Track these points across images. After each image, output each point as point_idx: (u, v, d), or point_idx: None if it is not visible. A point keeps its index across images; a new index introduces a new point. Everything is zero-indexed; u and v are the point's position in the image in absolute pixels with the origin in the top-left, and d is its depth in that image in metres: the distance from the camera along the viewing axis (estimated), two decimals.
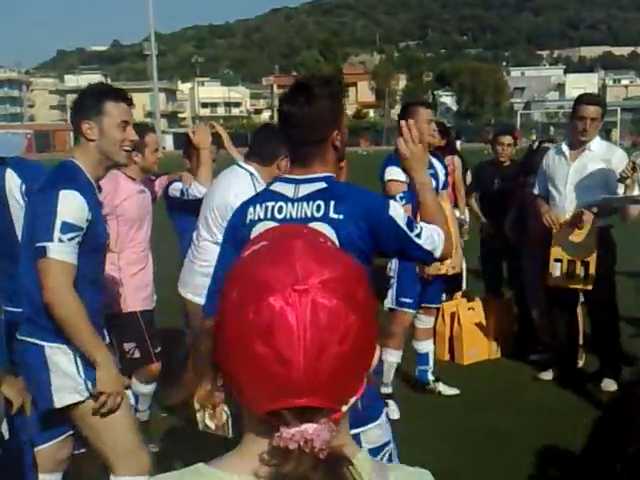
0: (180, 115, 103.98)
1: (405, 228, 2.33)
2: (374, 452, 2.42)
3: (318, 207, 2.31)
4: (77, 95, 2.92)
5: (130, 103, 2.94)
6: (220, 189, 3.75)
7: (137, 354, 4.08)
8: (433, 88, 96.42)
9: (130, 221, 4.03)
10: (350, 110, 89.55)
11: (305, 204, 2.33)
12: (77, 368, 2.74)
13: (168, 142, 64.15)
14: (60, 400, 2.73)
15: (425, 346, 5.12)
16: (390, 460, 2.48)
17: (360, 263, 2.27)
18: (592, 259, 4.84)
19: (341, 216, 2.28)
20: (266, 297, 0.84)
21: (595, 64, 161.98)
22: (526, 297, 5.97)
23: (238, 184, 3.68)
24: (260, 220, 2.35)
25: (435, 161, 4.81)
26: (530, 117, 68.84)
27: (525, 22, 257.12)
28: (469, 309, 5.95)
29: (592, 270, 4.85)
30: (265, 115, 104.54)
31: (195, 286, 3.81)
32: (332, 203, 2.30)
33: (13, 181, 3.69)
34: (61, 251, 2.59)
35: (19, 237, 3.77)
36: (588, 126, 4.97)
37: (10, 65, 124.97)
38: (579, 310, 5.50)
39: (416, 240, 2.35)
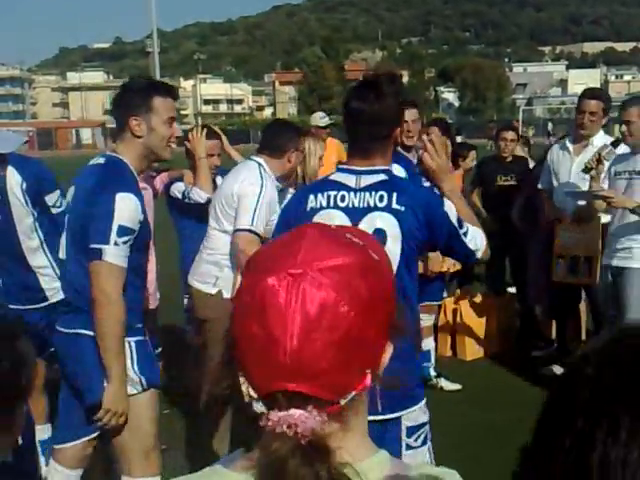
0: (182, 112, 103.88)
1: (456, 225, 2.45)
2: (412, 430, 2.52)
3: (381, 197, 2.41)
4: (122, 89, 2.85)
5: (176, 97, 2.94)
6: (229, 179, 3.82)
7: None
8: (435, 84, 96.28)
9: None
10: None
11: (367, 194, 2.42)
12: (132, 362, 2.75)
13: None
14: None
15: (427, 343, 5.14)
16: (425, 441, 2.57)
17: (413, 253, 2.43)
18: (596, 255, 4.83)
19: (402, 207, 2.39)
20: (264, 278, 0.86)
21: (597, 60, 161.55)
22: (529, 293, 5.97)
23: (244, 172, 3.76)
24: (322, 208, 2.45)
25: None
26: (532, 113, 68.76)
27: (527, 18, 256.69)
28: (471, 305, 5.95)
29: (596, 266, 4.84)
30: (267, 112, 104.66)
31: (201, 274, 3.85)
32: (394, 195, 2.40)
33: (14, 179, 3.69)
34: (116, 254, 2.59)
35: (19, 235, 3.80)
36: (587, 119, 4.98)
37: (12, 62, 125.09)
38: (582, 307, 5.51)
39: (463, 238, 2.48)
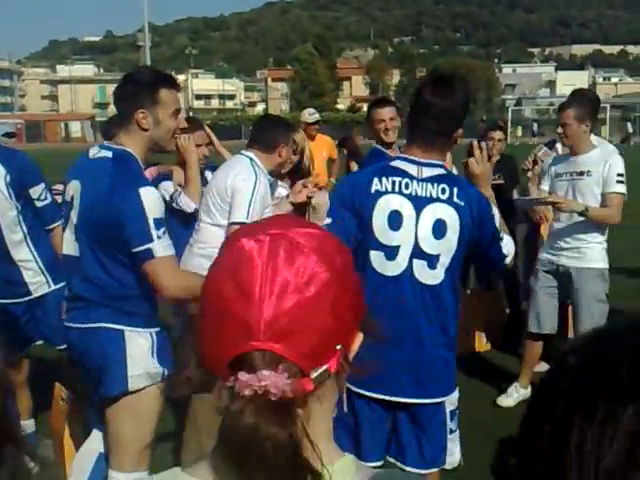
0: None
1: (498, 228, 2.60)
2: (453, 413, 2.78)
3: (443, 190, 2.50)
4: (126, 80, 2.78)
5: (179, 89, 2.94)
6: (221, 173, 3.83)
7: None
8: None
9: None
10: (344, 104, 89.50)
11: (430, 185, 2.51)
12: (152, 352, 2.76)
13: None
14: (134, 384, 2.71)
15: None
16: (458, 425, 2.89)
17: (464, 248, 2.54)
18: None
19: (462, 202, 2.50)
20: (240, 239, 0.86)
21: (585, 62, 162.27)
22: (517, 290, 6.04)
23: (237, 166, 3.78)
24: (387, 192, 2.52)
25: None
26: (521, 113, 68.99)
27: (517, 20, 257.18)
28: (459, 301, 5.99)
29: None
30: (259, 107, 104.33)
31: (192, 267, 3.82)
32: (455, 189, 2.51)
33: None
34: (164, 247, 2.61)
35: (3, 228, 3.73)
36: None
37: (1, 54, 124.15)
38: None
39: (500, 243, 2.62)
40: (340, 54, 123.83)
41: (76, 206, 2.74)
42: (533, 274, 4.81)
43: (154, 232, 2.57)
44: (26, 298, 3.87)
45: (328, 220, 2.57)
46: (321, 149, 7.86)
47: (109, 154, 2.73)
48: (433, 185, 2.50)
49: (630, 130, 53.63)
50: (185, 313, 3.92)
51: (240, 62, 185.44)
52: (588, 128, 4.40)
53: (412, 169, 2.53)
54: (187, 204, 4.07)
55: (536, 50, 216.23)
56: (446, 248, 2.52)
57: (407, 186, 2.51)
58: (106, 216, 2.59)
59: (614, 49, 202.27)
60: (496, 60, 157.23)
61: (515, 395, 4.86)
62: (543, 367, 5.32)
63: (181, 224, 4.06)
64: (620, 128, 55.75)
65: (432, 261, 2.52)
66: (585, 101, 4.60)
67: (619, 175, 4.34)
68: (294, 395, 0.81)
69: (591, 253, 4.46)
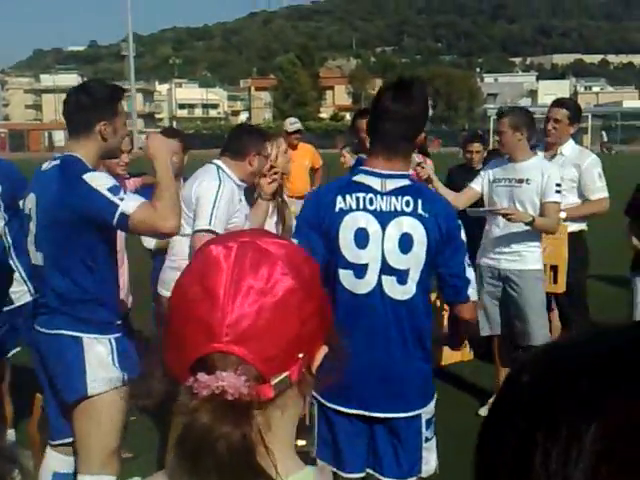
0: (157, 116, 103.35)
1: (464, 243, 2.54)
2: (429, 422, 2.72)
3: (407, 202, 2.45)
4: (87, 93, 2.90)
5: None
6: (189, 184, 3.79)
7: None
8: None
9: None
10: (327, 113, 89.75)
11: (394, 198, 2.46)
12: (113, 358, 2.85)
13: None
14: (93, 389, 2.80)
15: None
16: (434, 432, 2.80)
17: (432, 262, 2.48)
18: (561, 263, 4.92)
19: (427, 214, 2.45)
20: (210, 246, 0.89)
21: (567, 71, 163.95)
22: None
23: (201, 175, 3.75)
24: (352, 210, 2.48)
25: None
26: None
27: (499, 30, 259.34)
28: (443, 310, 6.00)
29: (561, 274, 4.94)
30: (242, 116, 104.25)
31: (167, 281, 3.76)
32: (420, 201, 2.46)
33: None
34: (131, 202, 2.71)
35: None
36: (550, 126, 5.10)
37: None
38: (552, 315, 5.59)
39: (466, 263, 2.57)
40: (323, 64, 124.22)
41: (34, 217, 2.84)
42: (477, 279, 4.84)
43: (115, 198, 2.66)
44: (7, 307, 3.89)
45: (294, 241, 2.55)
46: (303, 158, 7.87)
47: (58, 162, 2.85)
48: (397, 198, 2.46)
49: (605, 139, 54.20)
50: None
51: (224, 71, 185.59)
52: (523, 136, 4.52)
53: (376, 183, 2.49)
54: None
55: (518, 60, 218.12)
56: (414, 262, 2.48)
57: (371, 202, 2.47)
58: (65, 217, 2.71)
59: (595, 58, 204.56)
60: (478, 70, 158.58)
61: None
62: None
63: None
64: (602, 138, 56.31)
65: (402, 276, 2.49)
66: (521, 111, 4.78)
67: (557, 185, 4.47)
68: (251, 398, 0.81)
69: (531, 256, 4.58)
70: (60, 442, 3.00)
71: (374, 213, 2.45)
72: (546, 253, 4.91)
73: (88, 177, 2.70)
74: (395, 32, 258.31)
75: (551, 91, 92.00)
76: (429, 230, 2.44)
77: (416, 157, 4.83)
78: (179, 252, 3.69)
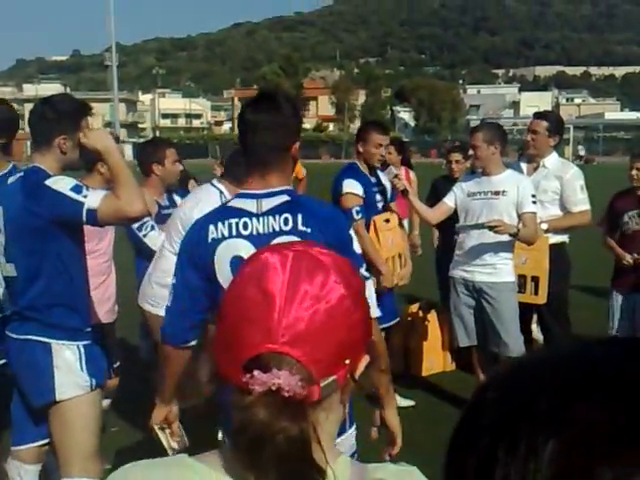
0: (140, 125, 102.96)
1: (358, 255, 2.31)
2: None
3: (286, 220, 2.24)
4: (51, 107, 2.95)
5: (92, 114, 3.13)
6: (188, 204, 3.72)
7: None
8: (392, 104, 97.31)
9: (92, 232, 3.98)
10: (310, 124, 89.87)
11: (272, 218, 2.24)
12: (81, 364, 2.91)
13: (127, 152, 63.39)
14: (61, 394, 2.87)
15: None
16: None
17: None
18: (542, 274, 4.94)
19: (309, 229, 2.22)
20: (264, 253, 0.93)
21: (549, 83, 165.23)
22: None
23: (205, 201, 3.61)
24: (225, 238, 2.24)
25: (382, 176, 5.02)
26: None
27: (481, 42, 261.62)
28: (425, 320, 6.01)
29: (542, 285, 4.95)
30: (226, 127, 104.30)
31: (153, 296, 3.73)
32: (299, 216, 2.24)
33: None
34: (94, 197, 2.77)
35: None
36: (530, 138, 5.17)
37: None
38: (534, 327, 5.61)
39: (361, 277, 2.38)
40: (306, 74, 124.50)
41: (2, 230, 2.91)
42: (451, 291, 4.91)
43: (79, 197, 2.73)
44: None
45: (173, 280, 2.34)
46: None
47: (22, 174, 2.92)
48: (275, 217, 2.24)
49: (582, 153, 54.66)
50: (152, 337, 3.87)
51: (207, 82, 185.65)
52: (497, 150, 4.62)
53: (251, 205, 2.27)
54: (153, 243, 3.99)
55: (500, 71, 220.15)
56: None
57: (246, 226, 2.24)
58: (33, 224, 2.78)
59: (577, 70, 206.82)
60: (461, 81, 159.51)
61: None
62: None
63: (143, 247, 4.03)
64: (583, 149, 56.84)
65: None
66: (494, 126, 4.91)
67: (533, 196, 4.57)
68: (304, 398, 0.85)
69: (505, 268, 4.64)
70: (24, 447, 3.05)
71: (250, 238, 2.22)
72: (527, 264, 4.94)
73: (50, 182, 2.77)
74: (379, 43, 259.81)
75: (533, 103, 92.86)
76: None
77: (394, 169, 4.85)
78: (169, 270, 3.62)
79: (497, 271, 4.63)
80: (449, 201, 4.84)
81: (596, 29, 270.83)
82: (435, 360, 5.99)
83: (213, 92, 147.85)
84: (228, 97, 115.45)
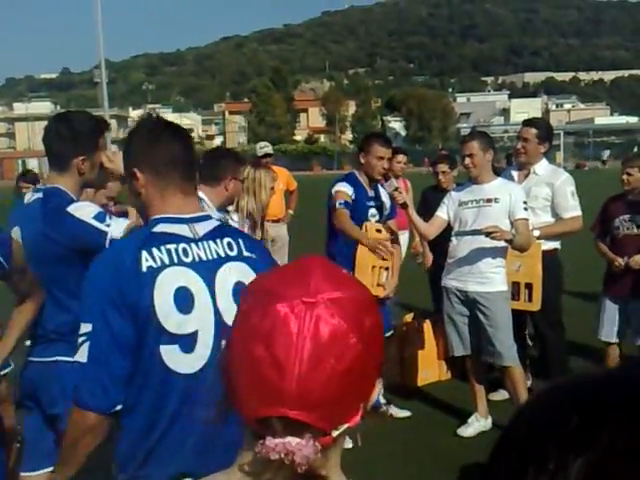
0: None
1: None
2: None
3: (230, 245, 2.02)
4: (68, 126, 2.88)
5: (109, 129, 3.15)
6: None
7: None
8: (382, 114, 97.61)
9: None
10: (301, 136, 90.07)
11: (213, 243, 2.00)
12: None
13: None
14: None
15: None
16: None
17: None
18: (536, 281, 4.95)
19: (254, 255, 2.04)
20: (274, 304, 0.86)
21: (538, 89, 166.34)
22: None
23: None
24: (165, 266, 1.90)
25: (382, 192, 5.00)
26: None
27: (470, 49, 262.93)
28: (420, 330, 6.00)
29: (536, 292, 4.96)
30: (217, 140, 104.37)
31: None
32: (241, 241, 2.05)
33: None
34: (116, 227, 2.75)
35: None
36: (520, 145, 5.21)
37: None
38: (527, 332, 5.60)
39: None
40: (296, 86, 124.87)
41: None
42: (445, 301, 4.90)
43: (101, 226, 2.71)
44: None
45: (88, 327, 1.87)
46: (277, 181, 7.86)
47: (40, 195, 2.86)
48: (216, 242, 1.99)
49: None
50: None
51: (197, 96, 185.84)
52: (490, 157, 4.69)
53: (183, 230, 1.98)
54: None
55: (489, 79, 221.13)
56: None
57: (186, 252, 1.94)
58: (53, 251, 2.75)
59: (566, 76, 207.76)
60: (450, 89, 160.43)
61: (476, 424, 4.86)
62: (502, 395, 5.33)
63: None
64: (575, 154, 57.10)
65: None
66: (485, 134, 4.95)
67: (524, 202, 4.61)
68: (316, 462, 0.85)
69: (498, 277, 4.66)
70: (35, 473, 2.96)
71: (193, 265, 1.93)
72: (520, 271, 4.94)
73: (72, 209, 2.74)
74: (367, 54, 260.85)
75: (523, 109, 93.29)
76: (259, 271, 1.95)
77: (394, 181, 4.85)
78: None
79: (490, 280, 4.63)
80: (442, 214, 4.84)
81: (583, 34, 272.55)
82: (430, 370, 5.97)
83: (203, 106, 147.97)
84: (219, 111, 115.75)
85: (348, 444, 0.75)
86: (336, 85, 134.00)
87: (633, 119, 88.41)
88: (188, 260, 1.93)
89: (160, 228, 1.97)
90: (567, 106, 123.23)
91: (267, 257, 2.12)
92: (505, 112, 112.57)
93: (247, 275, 1.96)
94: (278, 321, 0.85)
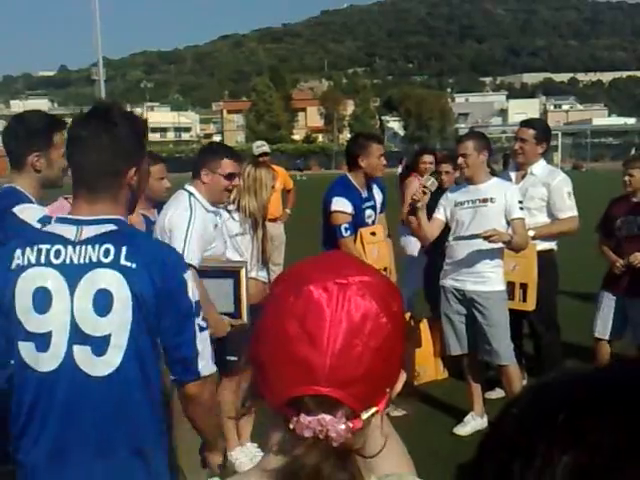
0: None
1: (193, 304, 2.02)
2: None
3: (107, 251, 1.94)
4: (19, 123, 2.93)
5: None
6: (162, 213, 3.75)
7: None
8: (380, 113, 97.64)
9: None
10: (299, 135, 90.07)
11: (90, 247, 1.94)
12: None
13: None
14: None
15: None
16: None
17: (147, 327, 1.94)
18: (531, 281, 4.97)
19: (134, 265, 1.94)
20: (307, 285, 0.89)
21: (536, 90, 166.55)
22: None
23: (173, 205, 3.68)
24: (30, 265, 1.94)
25: (375, 189, 5.04)
26: None
27: (468, 50, 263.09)
28: (417, 329, 6.02)
29: (531, 292, 4.98)
30: (215, 139, 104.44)
31: None
32: (124, 248, 1.95)
33: None
34: None
35: None
36: (517, 146, 5.24)
37: None
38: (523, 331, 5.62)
39: (196, 329, 2.03)
40: (295, 85, 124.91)
41: None
42: (442, 300, 4.92)
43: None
44: None
45: None
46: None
47: None
48: (94, 247, 1.94)
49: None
50: None
51: (195, 95, 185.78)
52: (485, 158, 4.69)
53: (69, 231, 1.96)
54: None
55: (488, 79, 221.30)
56: (117, 325, 1.93)
57: (58, 254, 1.93)
58: None
59: (564, 77, 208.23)
60: (449, 90, 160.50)
61: (472, 423, 4.88)
62: (499, 394, 5.36)
63: None
64: (572, 155, 57.13)
65: (99, 345, 1.93)
66: (481, 135, 4.95)
67: (520, 202, 4.63)
68: (351, 444, 0.86)
69: (495, 277, 4.68)
70: None
71: (60, 267, 1.93)
72: (516, 271, 4.96)
73: (17, 209, 2.75)
74: (366, 53, 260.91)
75: (521, 110, 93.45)
76: (136, 284, 1.92)
77: (435, 180, 4.80)
78: None
79: (488, 280, 4.65)
80: (440, 215, 4.86)
81: (582, 35, 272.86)
82: (427, 369, 6.00)
83: (202, 105, 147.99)
84: (217, 109, 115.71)
85: None
86: (335, 84, 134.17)
87: (631, 120, 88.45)
88: (57, 262, 1.94)
89: (49, 227, 2.03)
90: (565, 107, 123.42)
91: (157, 272, 1.96)
92: (503, 113, 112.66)
93: (116, 284, 1.92)
94: (312, 300, 0.87)
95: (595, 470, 0.47)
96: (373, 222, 5.04)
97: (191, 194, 3.70)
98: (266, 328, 0.91)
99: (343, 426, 0.84)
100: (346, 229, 4.77)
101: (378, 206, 5.10)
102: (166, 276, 1.97)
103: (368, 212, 4.98)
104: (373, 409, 0.89)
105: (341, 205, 4.82)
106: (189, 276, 2.04)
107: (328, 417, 0.84)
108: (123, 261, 1.93)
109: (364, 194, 4.95)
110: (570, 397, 0.53)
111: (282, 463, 0.88)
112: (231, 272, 3.76)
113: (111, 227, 1.98)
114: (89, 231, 1.96)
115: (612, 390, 0.52)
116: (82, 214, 1.99)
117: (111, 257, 1.93)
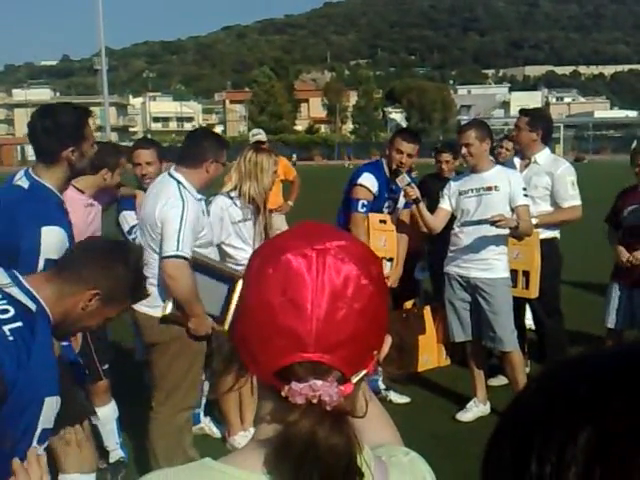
0: (131, 129, 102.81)
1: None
2: None
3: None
4: (45, 118, 2.88)
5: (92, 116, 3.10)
6: (149, 202, 3.67)
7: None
8: (383, 105, 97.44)
9: (82, 232, 3.93)
10: (302, 126, 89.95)
11: None
12: None
13: None
14: None
15: None
16: None
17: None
18: (533, 269, 5.01)
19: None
20: (284, 254, 0.88)
21: (539, 82, 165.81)
22: None
23: (164, 195, 3.60)
24: None
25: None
26: None
27: (471, 42, 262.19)
28: (419, 317, 6.05)
29: (533, 280, 5.02)
30: (218, 129, 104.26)
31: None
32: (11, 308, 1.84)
33: None
34: None
35: None
36: (514, 133, 5.38)
37: None
38: (526, 321, 5.65)
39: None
40: (298, 76, 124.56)
41: None
42: (446, 287, 4.96)
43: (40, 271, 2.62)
44: None
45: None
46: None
47: (26, 184, 2.87)
48: None
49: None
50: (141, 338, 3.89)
51: (198, 85, 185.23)
52: (488, 146, 4.77)
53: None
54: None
55: (490, 72, 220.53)
56: None
57: None
58: (7, 247, 2.71)
59: (566, 70, 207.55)
60: (451, 82, 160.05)
61: (475, 410, 4.92)
62: (501, 381, 5.40)
63: None
64: (574, 147, 57.04)
65: None
66: (483, 123, 4.99)
67: (524, 189, 4.68)
68: (344, 406, 0.86)
69: (500, 264, 4.73)
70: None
71: None
72: (518, 259, 5.00)
73: (45, 232, 2.74)
74: (369, 45, 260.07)
75: (523, 102, 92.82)
76: None
77: (407, 177, 4.89)
78: (155, 273, 3.58)
79: (492, 267, 4.69)
80: (445, 205, 4.90)
81: (584, 29, 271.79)
82: (430, 355, 6.03)
83: (204, 95, 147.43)
84: (219, 100, 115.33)
85: None
86: (337, 76, 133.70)
87: (632, 113, 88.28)
88: None
89: None
90: (567, 99, 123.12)
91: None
92: (505, 105, 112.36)
93: None
94: (291, 268, 0.87)
95: (617, 440, 0.47)
96: (390, 214, 5.11)
97: (180, 183, 3.63)
98: (249, 303, 0.91)
99: (334, 389, 0.84)
100: (363, 205, 4.86)
101: (400, 202, 5.17)
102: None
103: (388, 202, 5.05)
104: (362, 372, 0.89)
105: (368, 181, 4.94)
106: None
107: (320, 382, 0.84)
108: None
109: (393, 185, 5.03)
110: (589, 371, 0.53)
111: (276, 431, 0.87)
112: (229, 278, 3.73)
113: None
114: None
115: (633, 364, 0.52)
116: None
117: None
